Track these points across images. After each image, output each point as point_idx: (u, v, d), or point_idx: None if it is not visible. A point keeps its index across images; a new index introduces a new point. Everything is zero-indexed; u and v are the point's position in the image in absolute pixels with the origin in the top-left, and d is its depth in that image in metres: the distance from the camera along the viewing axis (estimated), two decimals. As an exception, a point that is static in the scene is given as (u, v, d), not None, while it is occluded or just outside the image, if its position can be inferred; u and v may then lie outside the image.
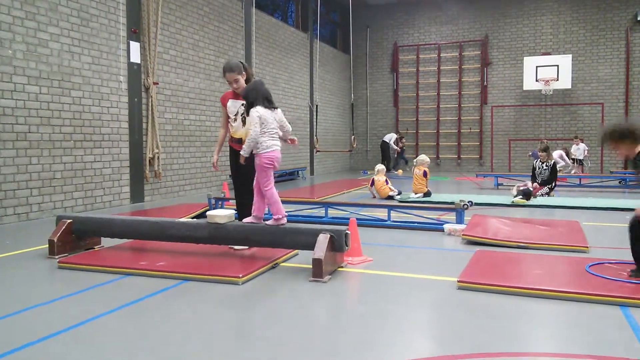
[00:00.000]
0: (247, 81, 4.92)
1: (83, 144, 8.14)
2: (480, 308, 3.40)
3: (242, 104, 4.80)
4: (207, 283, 3.99)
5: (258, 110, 4.38)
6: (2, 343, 2.82)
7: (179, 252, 4.85)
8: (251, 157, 4.51)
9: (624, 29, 17.00)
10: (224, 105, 4.98)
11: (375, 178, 9.70)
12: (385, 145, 17.88)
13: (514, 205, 8.49)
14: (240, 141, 4.84)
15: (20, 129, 7.16)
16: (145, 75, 9.37)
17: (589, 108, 17.52)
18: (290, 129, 4.69)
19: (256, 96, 4.45)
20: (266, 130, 4.42)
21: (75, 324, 3.11)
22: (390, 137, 18.04)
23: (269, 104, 4.46)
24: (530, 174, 10.03)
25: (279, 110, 4.59)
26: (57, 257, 4.75)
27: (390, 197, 9.35)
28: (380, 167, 9.96)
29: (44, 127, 7.50)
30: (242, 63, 4.96)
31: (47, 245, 4.88)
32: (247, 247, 4.80)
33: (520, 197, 8.71)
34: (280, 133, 4.58)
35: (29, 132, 7.29)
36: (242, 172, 4.82)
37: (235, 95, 4.92)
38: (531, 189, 8.99)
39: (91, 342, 2.86)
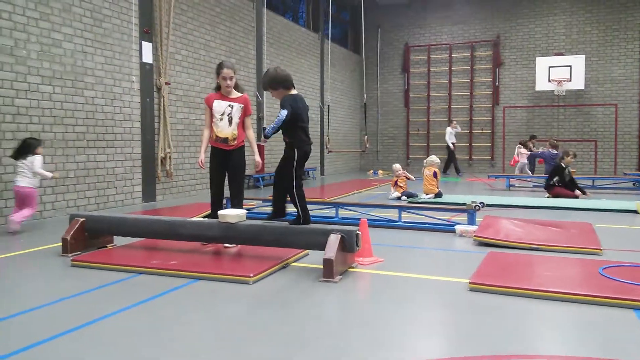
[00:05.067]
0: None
1: (96, 143, 8.21)
2: (492, 310, 3.38)
3: (229, 105, 5.02)
4: (218, 282, 4.00)
5: None
6: (16, 340, 2.86)
7: (191, 251, 4.88)
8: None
9: (638, 29, 16.81)
10: (209, 106, 5.09)
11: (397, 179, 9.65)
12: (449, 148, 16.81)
13: (552, 207, 8.33)
14: (226, 141, 5.06)
15: (34, 128, 7.23)
16: (157, 75, 9.43)
17: (602, 109, 17.34)
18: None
19: None
20: None
21: (88, 321, 3.14)
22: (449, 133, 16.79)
23: None
24: (551, 176, 9.88)
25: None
26: (70, 255, 4.80)
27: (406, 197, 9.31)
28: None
29: (57, 126, 7.57)
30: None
31: (61, 244, 4.93)
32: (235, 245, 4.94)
33: None
34: None
35: (43, 132, 7.36)
36: (224, 171, 5.11)
37: (221, 96, 5.07)
38: None
39: (104, 340, 2.88)
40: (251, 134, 5.20)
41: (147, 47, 9.19)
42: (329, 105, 14.55)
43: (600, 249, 5.01)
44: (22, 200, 6.27)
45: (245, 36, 12.46)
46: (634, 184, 12.07)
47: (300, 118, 4.54)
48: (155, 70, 9.41)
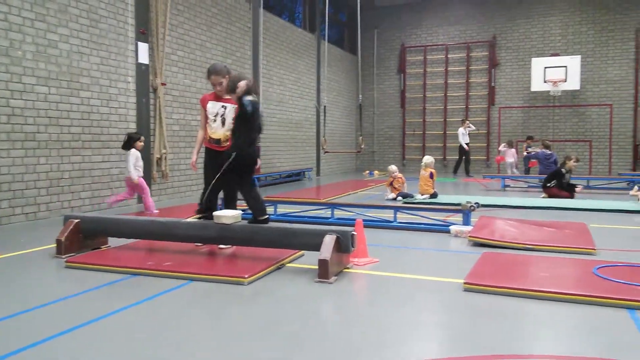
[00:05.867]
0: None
1: (91, 144, 8.19)
2: (487, 310, 3.39)
3: (222, 106, 5.04)
4: (213, 283, 4.00)
5: None
6: (10, 341, 2.85)
7: (185, 252, 4.87)
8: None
9: (634, 30, 16.87)
10: (204, 107, 5.14)
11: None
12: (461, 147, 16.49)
13: (547, 208, 8.36)
14: (218, 142, 5.07)
15: (29, 129, 7.21)
16: (153, 76, 9.41)
17: (598, 109, 17.40)
18: None
19: None
20: None
21: (82, 323, 3.13)
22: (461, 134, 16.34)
23: None
24: (549, 179, 9.93)
25: None
26: (64, 256, 4.78)
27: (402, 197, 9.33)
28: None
29: (52, 127, 7.55)
30: (225, 67, 5.17)
31: (55, 245, 4.92)
32: (230, 245, 4.92)
33: None
34: None
35: (38, 133, 7.34)
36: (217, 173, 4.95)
37: (216, 97, 5.11)
38: None
39: (98, 342, 2.88)
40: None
41: (143, 47, 9.17)
42: (325, 106, 14.56)
43: (595, 249, 5.03)
44: (131, 188, 7.57)
45: (242, 37, 12.46)
46: (628, 184, 12.12)
47: (255, 123, 4.70)
48: (151, 71, 9.39)
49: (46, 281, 4.20)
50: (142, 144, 7.60)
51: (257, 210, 4.86)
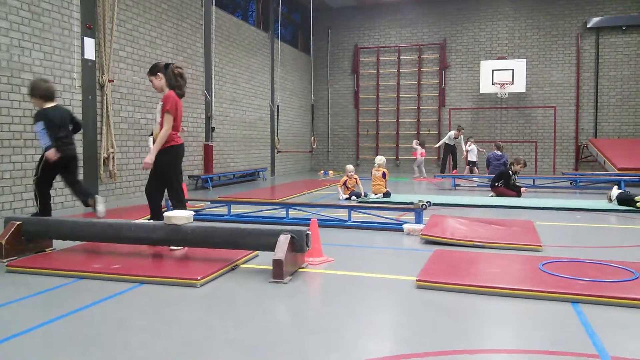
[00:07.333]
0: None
1: (34, 143, 7.83)
2: (439, 306, 3.45)
3: (160, 103, 4.98)
4: (164, 286, 3.90)
5: None
6: (-57, 352, 2.68)
7: (135, 254, 4.73)
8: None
9: (575, 36, 17.65)
10: None
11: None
12: (448, 148, 16.06)
13: (495, 206, 8.58)
14: (154, 140, 5.04)
15: (-35, 126, 6.83)
16: (100, 73, 9.10)
17: (542, 111, 18.10)
18: None
19: None
20: None
21: (25, 329, 2.98)
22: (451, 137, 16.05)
23: None
24: (496, 179, 10.20)
25: None
26: (5, 260, 4.56)
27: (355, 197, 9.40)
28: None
29: (-9, 124, 7.18)
30: (167, 64, 5.06)
31: (-6, 248, 4.67)
32: (182, 247, 4.81)
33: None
34: None
35: (-25, 130, 6.97)
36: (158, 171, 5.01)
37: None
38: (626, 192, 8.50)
39: (43, 349, 2.74)
40: (162, 131, 4.89)
41: (89, 43, 8.85)
42: (278, 106, 14.49)
43: (541, 246, 5.21)
44: None
45: (193, 34, 12.23)
46: (571, 183, 12.66)
47: (55, 127, 5.15)
48: (98, 67, 9.08)
49: (-16, 287, 3.98)
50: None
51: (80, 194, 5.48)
